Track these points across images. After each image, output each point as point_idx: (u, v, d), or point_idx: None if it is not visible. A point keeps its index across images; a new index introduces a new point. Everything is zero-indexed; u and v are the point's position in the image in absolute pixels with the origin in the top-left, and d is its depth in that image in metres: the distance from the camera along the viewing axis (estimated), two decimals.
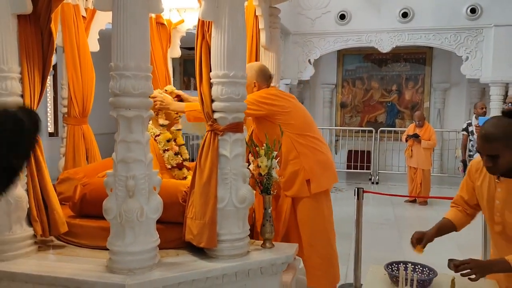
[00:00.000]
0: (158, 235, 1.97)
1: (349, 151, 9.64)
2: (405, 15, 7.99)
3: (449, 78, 9.37)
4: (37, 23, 2.09)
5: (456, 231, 2.08)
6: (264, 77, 2.87)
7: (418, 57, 9.57)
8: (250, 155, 2.32)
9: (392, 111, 9.81)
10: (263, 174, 2.25)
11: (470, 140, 6.35)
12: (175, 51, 3.41)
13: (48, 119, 7.45)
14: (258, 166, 2.25)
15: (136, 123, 1.87)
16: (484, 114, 6.15)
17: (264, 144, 2.28)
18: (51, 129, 7.51)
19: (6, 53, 2.02)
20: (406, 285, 1.73)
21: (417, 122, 7.20)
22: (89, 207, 2.30)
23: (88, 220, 2.29)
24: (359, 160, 9.37)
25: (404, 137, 7.35)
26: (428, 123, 7.40)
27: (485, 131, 1.79)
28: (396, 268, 1.88)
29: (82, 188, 2.34)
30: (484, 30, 7.73)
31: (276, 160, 2.29)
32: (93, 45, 3.03)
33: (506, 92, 7.77)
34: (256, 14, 2.86)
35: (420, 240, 1.98)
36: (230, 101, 2.07)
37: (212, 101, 2.10)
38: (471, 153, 6.23)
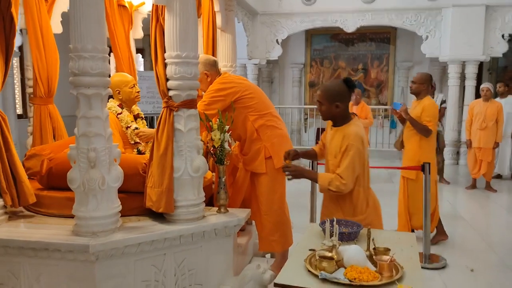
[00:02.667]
0: (119, 202, 2.18)
1: (318, 129, 9.95)
2: None
3: (412, 57, 9.73)
4: None
5: (317, 160, 2.77)
6: (210, 65, 3.00)
7: (383, 37, 9.88)
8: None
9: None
10: (216, 147, 2.47)
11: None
12: (137, 32, 3.55)
13: (17, 100, 7.42)
14: (211, 139, 2.46)
15: (95, 100, 2.04)
16: None
17: (217, 119, 2.49)
18: (19, 110, 7.49)
19: None
20: (336, 237, 1.99)
21: (354, 98, 6.85)
22: (55, 180, 2.47)
23: (55, 192, 2.46)
24: None
25: None
26: (363, 102, 7.11)
27: (323, 85, 2.52)
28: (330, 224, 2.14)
29: (49, 162, 2.51)
30: (443, 10, 8.05)
31: (228, 134, 2.51)
32: (56, 27, 3.14)
33: (463, 70, 8.16)
34: None
35: (288, 156, 2.48)
36: (183, 80, 2.26)
37: (167, 80, 2.29)
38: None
